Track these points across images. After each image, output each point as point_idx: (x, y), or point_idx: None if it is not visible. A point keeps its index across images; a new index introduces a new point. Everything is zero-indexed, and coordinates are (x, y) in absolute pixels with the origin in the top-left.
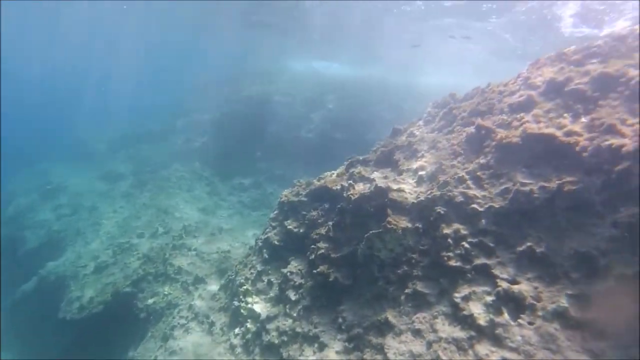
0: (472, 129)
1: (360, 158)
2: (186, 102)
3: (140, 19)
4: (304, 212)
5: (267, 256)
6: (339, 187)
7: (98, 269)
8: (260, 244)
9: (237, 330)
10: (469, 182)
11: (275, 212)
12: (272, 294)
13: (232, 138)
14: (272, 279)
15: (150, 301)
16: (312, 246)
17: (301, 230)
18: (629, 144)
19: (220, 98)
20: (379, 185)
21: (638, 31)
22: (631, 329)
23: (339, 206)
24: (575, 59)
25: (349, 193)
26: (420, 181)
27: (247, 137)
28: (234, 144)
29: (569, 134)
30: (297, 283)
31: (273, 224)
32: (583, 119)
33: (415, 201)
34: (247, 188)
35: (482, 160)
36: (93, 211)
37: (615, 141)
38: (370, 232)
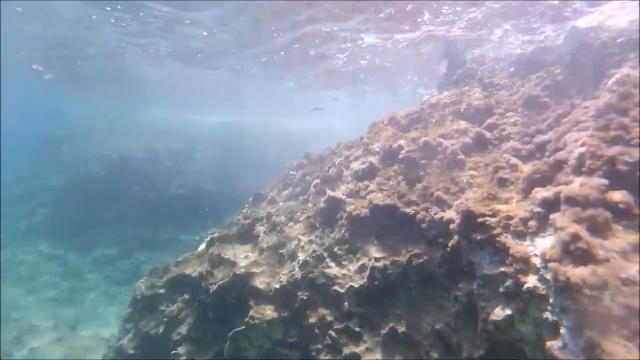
0: (324, 204)
1: (221, 234)
2: (23, 166)
3: None
4: (162, 308)
5: None
6: (197, 275)
7: None
8: (111, 355)
9: None
10: (327, 260)
11: (129, 310)
12: None
13: (87, 204)
14: None
15: None
16: (174, 351)
17: (160, 331)
18: (455, 219)
19: (67, 159)
20: (238, 273)
21: (445, 100)
22: None
23: (199, 298)
24: (403, 124)
25: (207, 283)
26: (281, 260)
27: (107, 201)
28: (90, 211)
29: (408, 203)
30: None
31: (127, 327)
32: (418, 187)
33: (278, 286)
34: (114, 259)
35: (337, 235)
36: None
37: (444, 214)
38: (234, 330)
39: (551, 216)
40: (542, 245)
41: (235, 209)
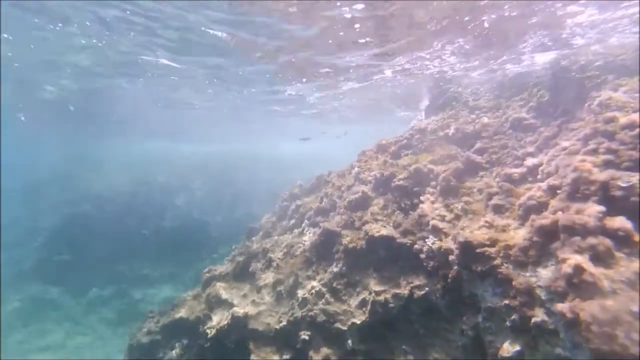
0: (319, 237)
1: (216, 273)
2: (11, 208)
3: None
4: (160, 355)
5: None
6: (194, 318)
7: None
8: None
9: None
10: (327, 296)
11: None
12: None
13: (79, 244)
14: None
15: None
16: None
17: None
18: (454, 249)
19: (59, 199)
20: (236, 315)
21: (433, 125)
22: None
23: (197, 343)
24: (393, 150)
25: (205, 327)
26: (279, 298)
27: (99, 240)
28: (82, 251)
29: (405, 233)
30: None
31: None
32: (412, 215)
33: (278, 327)
34: (109, 300)
35: (335, 269)
36: None
37: (442, 244)
38: None
39: (552, 245)
40: (546, 276)
41: (230, 238)
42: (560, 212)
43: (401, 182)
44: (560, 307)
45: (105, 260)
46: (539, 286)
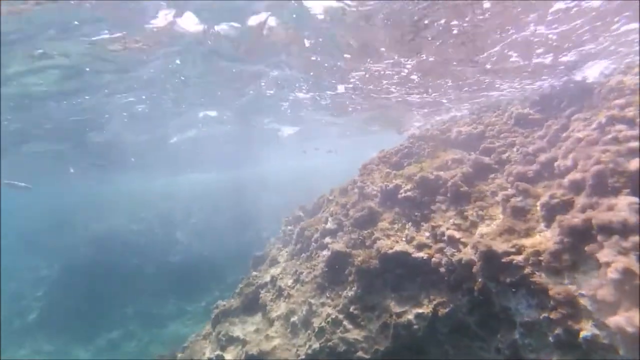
0: (329, 259)
1: (225, 307)
2: (10, 257)
3: None
4: None
5: None
6: None
7: None
8: None
9: None
10: (345, 323)
11: None
12: None
13: (82, 290)
14: None
15: None
16: None
17: None
18: (476, 259)
19: (58, 245)
20: (250, 353)
21: (433, 131)
22: None
23: None
24: (395, 160)
25: None
26: (294, 330)
27: (102, 283)
28: (86, 296)
29: (419, 247)
30: None
31: None
32: (425, 227)
33: None
34: (119, 344)
35: (349, 292)
36: None
37: (462, 255)
38: None
39: (587, 248)
40: (587, 283)
41: (237, 266)
42: (590, 210)
43: (408, 193)
44: (615, 320)
45: (110, 303)
46: (582, 295)
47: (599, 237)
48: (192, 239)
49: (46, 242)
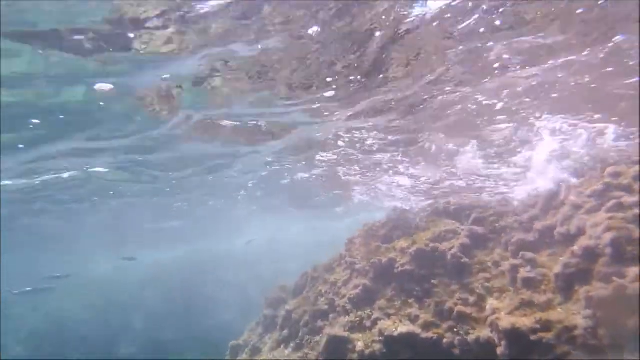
0: (326, 347)
1: None
2: None
3: None
4: None
5: None
6: None
7: None
8: None
9: None
10: None
11: None
12: None
13: None
14: None
15: None
16: None
17: None
18: (496, 339)
19: None
20: None
21: (421, 204)
22: None
23: None
24: (383, 234)
25: None
26: None
27: None
28: None
29: (427, 326)
30: None
31: None
32: (428, 303)
33: None
34: None
35: None
36: None
37: (479, 334)
38: None
39: (628, 321)
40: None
41: (205, 352)
42: (619, 281)
43: (405, 267)
44: None
45: None
46: None
47: None
48: (148, 326)
49: None
